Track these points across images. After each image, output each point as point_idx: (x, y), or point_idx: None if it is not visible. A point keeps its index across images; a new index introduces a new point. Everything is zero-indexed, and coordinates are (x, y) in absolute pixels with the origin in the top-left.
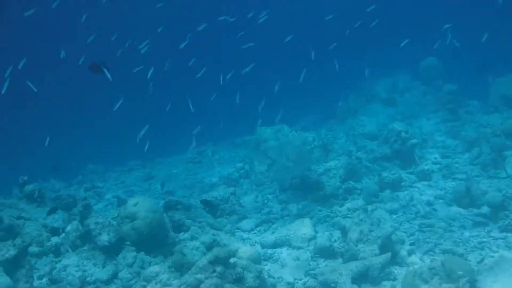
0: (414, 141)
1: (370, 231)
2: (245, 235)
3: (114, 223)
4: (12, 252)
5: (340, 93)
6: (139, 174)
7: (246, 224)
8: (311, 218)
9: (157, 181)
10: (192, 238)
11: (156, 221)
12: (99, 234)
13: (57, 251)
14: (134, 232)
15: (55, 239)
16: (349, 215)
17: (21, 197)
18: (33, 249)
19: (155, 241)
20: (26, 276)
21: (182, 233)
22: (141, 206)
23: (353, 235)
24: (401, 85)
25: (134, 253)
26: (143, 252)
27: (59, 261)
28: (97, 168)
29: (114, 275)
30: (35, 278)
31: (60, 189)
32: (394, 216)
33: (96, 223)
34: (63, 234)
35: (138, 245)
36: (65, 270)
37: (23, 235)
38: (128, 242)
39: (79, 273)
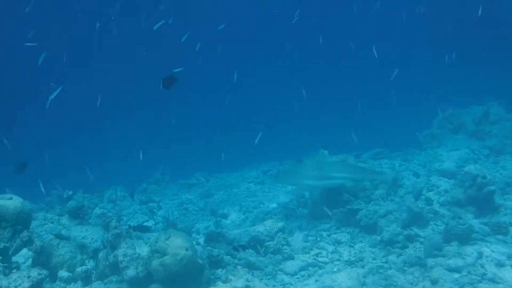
0: (492, 188)
1: None
2: (286, 279)
3: (145, 255)
4: (26, 285)
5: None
6: (199, 190)
7: (290, 266)
8: (362, 267)
9: (214, 200)
10: (226, 280)
11: (188, 259)
12: (127, 267)
13: (87, 279)
14: (163, 269)
15: (85, 267)
16: (405, 268)
17: (63, 212)
18: (63, 273)
19: (185, 280)
20: None
21: (220, 269)
22: (173, 241)
23: None
24: (494, 116)
25: None
26: None
27: None
28: (163, 178)
29: None
30: None
31: (116, 199)
32: (456, 276)
33: (125, 255)
34: (91, 263)
35: (166, 283)
36: None
37: (55, 256)
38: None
39: None
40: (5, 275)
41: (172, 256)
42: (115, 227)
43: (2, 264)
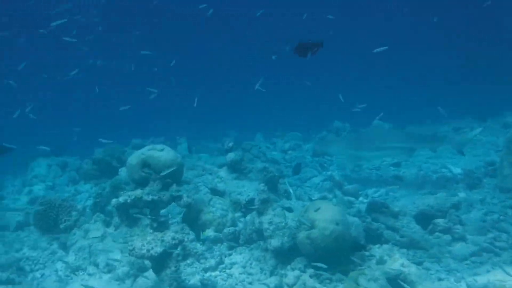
0: None
1: None
2: (453, 265)
3: (293, 225)
4: (158, 249)
5: None
6: None
7: (459, 249)
8: None
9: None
10: (379, 261)
11: (337, 235)
12: (271, 236)
13: (234, 241)
14: (309, 243)
15: (233, 228)
16: None
17: (223, 164)
18: (209, 233)
19: (333, 256)
20: (170, 279)
21: (378, 245)
22: (323, 213)
23: None
24: None
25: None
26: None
27: (230, 255)
28: (344, 127)
29: None
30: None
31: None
32: None
33: (270, 223)
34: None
35: (312, 258)
36: (230, 268)
37: (205, 213)
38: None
39: (243, 276)
40: (152, 228)
41: (320, 230)
42: (263, 192)
43: (150, 217)
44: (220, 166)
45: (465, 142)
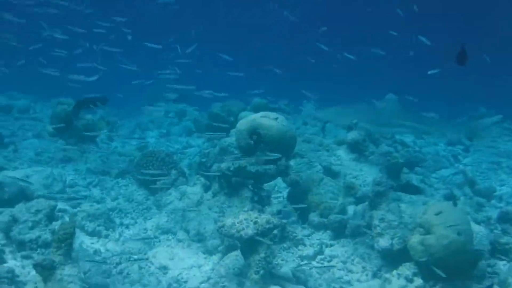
0: None
1: None
2: None
3: (408, 226)
4: (250, 232)
5: None
6: None
7: None
8: None
9: None
10: (503, 281)
11: (457, 247)
12: (380, 234)
13: (338, 230)
14: (422, 250)
15: (340, 216)
16: None
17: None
18: (313, 217)
19: (450, 268)
20: (257, 266)
21: (504, 262)
22: (445, 217)
23: None
24: None
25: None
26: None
27: (331, 245)
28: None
29: None
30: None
31: None
32: None
33: (382, 219)
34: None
35: (422, 266)
36: (329, 261)
37: (313, 194)
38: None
39: (341, 272)
40: (253, 201)
41: (438, 239)
42: (378, 183)
43: (252, 189)
44: (340, 144)
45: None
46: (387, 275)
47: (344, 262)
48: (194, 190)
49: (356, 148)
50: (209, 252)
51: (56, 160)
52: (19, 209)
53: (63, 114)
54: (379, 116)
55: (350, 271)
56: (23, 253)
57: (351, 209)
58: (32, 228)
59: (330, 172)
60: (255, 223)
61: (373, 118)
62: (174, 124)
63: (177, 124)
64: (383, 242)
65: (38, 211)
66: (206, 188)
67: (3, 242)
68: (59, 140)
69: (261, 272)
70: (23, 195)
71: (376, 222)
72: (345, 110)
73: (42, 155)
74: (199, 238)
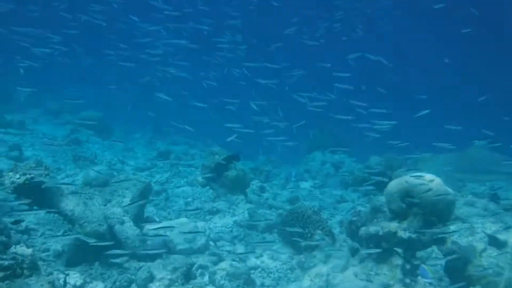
0: None
1: None
2: None
3: None
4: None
5: None
6: None
7: None
8: None
9: None
10: None
11: None
12: None
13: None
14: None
15: None
16: None
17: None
18: None
19: None
20: None
21: None
22: None
23: None
24: None
25: None
26: None
27: None
28: None
29: None
30: None
31: None
32: None
33: None
34: None
35: None
36: None
37: (474, 266)
38: None
39: None
40: (403, 270)
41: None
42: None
43: (403, 257)
44: (507, 209)
45: None
46: None
47: None
48: (339, 254)
49: None
50: None
51: (204, 212)
52: (157, 265)
53: (213, 164)
54: (472, 164)
55: None
56: None
57: None
58: (168, 286)
59: (496, 241)
60: None
61: (466, 168)
62: (330, 175)
63: (334, 175)
64: None
65: (175, 269)
66: (354, 252)
67: None
68: (209, 190)
69: None
70: (166, 248)
71: None
72: (436, 159)
73: (191, 204)
74: None
